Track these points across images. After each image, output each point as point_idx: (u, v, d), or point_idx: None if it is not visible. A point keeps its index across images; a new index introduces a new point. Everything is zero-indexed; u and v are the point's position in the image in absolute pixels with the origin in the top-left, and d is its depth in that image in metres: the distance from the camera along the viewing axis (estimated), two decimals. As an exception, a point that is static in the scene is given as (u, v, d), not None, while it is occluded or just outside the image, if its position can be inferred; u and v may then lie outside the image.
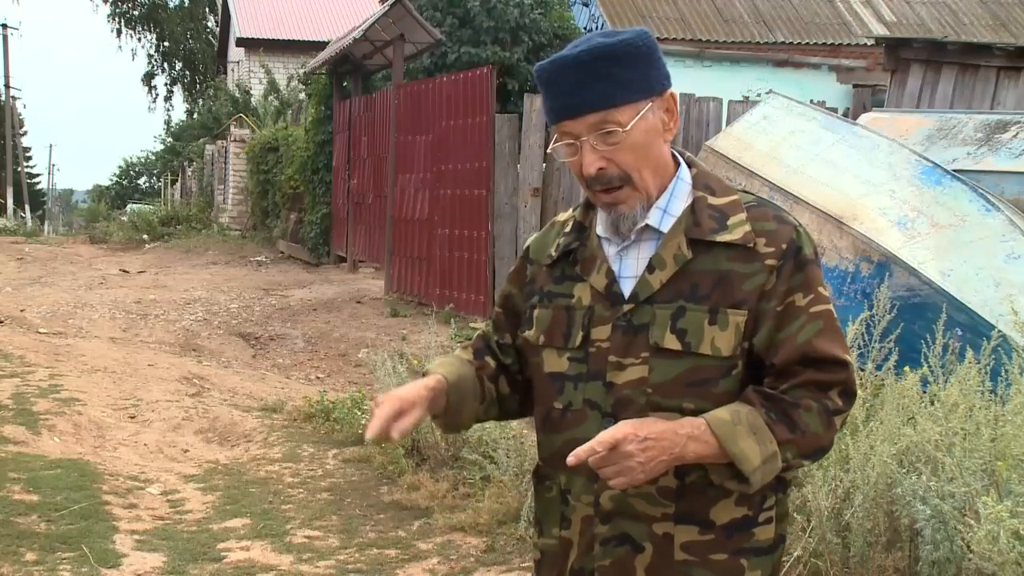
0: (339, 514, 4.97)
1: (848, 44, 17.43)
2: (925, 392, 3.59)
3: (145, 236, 22.62)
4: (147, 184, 45.28)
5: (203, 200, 26.33)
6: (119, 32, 45.57)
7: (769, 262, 1.69)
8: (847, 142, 6.02)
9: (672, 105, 1.74)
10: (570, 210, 1.90)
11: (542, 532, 1.86)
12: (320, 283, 13.46)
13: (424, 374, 1.88)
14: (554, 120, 1.74)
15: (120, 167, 47.33)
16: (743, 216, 1.73)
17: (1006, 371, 3.52)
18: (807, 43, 17.39)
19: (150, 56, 46.06)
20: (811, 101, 9.13)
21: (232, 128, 23.39)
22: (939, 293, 4.95)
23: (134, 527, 4.74)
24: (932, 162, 5.82)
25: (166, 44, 45.84)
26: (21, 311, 11.03)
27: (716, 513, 1.70)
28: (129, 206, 32.45)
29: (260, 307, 11.67)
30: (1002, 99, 9.71)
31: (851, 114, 11.18)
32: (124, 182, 46.58)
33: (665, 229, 1.74)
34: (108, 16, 45.21)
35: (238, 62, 31.61)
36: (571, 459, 1.59)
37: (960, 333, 4.41)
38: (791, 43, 17.35)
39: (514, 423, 4.46)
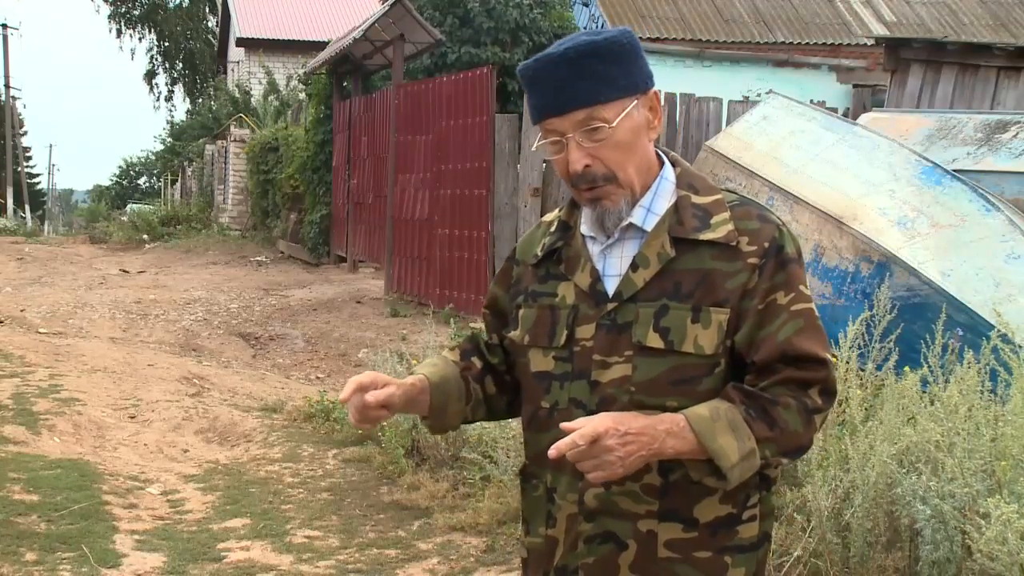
0: (339, 514, 4.97)
1: (848, 44, 17.43)
2: (925, 392, 3.59)
3: (145, 236, 22.62)
4: (147, 184, 45.29)
5: (203, 200, 26.33)
6: (119, 32, 45.62)
7: (751, 260, 1.70)
8: (847, 142, 6.02)
9: (655, 103, 1.76)
10: (556, 210, 1.91)
11: (529, 531, 1.87)
12: (320, 283, 13.46)
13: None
14: (539, 118, 1.75)
15: (120, 167, 47.37)
16: (726, 215, 1.74)
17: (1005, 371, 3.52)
18: (807, 43, 17.39)
19: (151, 56, 46.11)
20: (811, 101, 9.13)
21: (232, 128, 23.38)
22: (939, 293, 4.95)
23: (134, 527, 4.74)
24: (932, 162, 5.82)
25: (166, 44, 45.86)
26: (21, 311, 11.03)
27: (700, 511, 1.71)
28: (129, 206, 32.44)
29: (260, 307, 11.67)
30: (1002, 99, 9.71)
31: (851, 114, 11.17)
32: (124, 182, 46.58)
33: (649, 228, 1.75)
34: (108, 16, 45.26)
35: (238, 62, 31.61)
36: (552, 451, 1.60)
37: (960, 333, 4.41)
38: (791, 43, 17.35)
39: (514, 423, 4.46)
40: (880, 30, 16.96)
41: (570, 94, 1.69)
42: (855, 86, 15.00)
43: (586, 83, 1.68)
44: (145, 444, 6.25)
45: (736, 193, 1.81)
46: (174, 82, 46.70)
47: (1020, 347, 3.65)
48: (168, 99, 52.93)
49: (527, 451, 1.88)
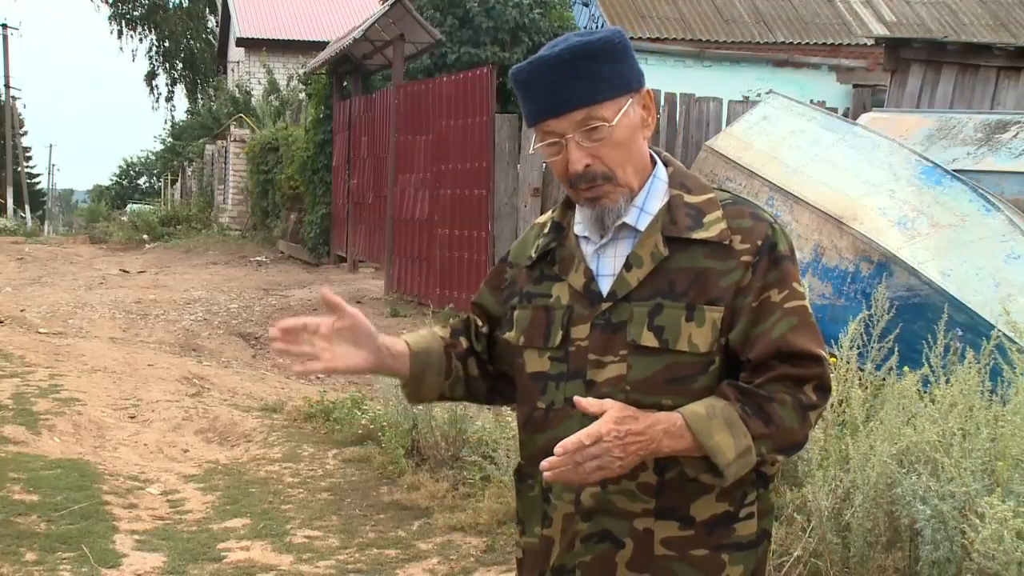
0: (339, 514, 4.97)
1: (848, 44, 17.43)
2: (926, 392, 3.59)
3: (145, 236, 22.62)
4: (147, 184, 45.28)
5: (203, 200, 26.33)
6: (120, 33, 45.61)
7: (745, 258, 1.71)
8: (847, 142, 6.03)
9: (649, 102, 1.77)
10: (549, 212, 1.92)
11: (524, 531, 1.87)
12: (320, 283, 13.46)
13: None
14: (535, 121, 1.75)
15: (120, 167, 47.35)
16: (719, 214, 1.75)
17: (1005, 370, 3.52)
18: (807, 43, 17.40)
19: (150, 56, 46.11)
20: (811, 101, 9.14)
21: (232, 128, 23.37)
22: (939, 293, 4.95)
23: (134, 527, 4.74)
24: (932, 162, 5.82)
25: (166, 44, 45.86)
26: (21, 311, 11.03)
27: (696, 509, 1.71)
28: (129, 206, 32.43)
29: (260, 307, 11.67)
30: (1002, 99, 9.71)
31: (851, 114, 11.17)
32: (124, 182, 46.57)
33: (642, 227, 1.75)
34: (109, 17, 45.26)
35: (238, 62, 31.61)
36: (559, 449, 1.60)
37: (960, 333, 4.41)
38: (791, 43, 17.35)
39: (514, 423, 4.46)
40: (880, 30, 16.96)
41: (567, 95, 1.69)
42: (855, 86, 15.01)
43: (583, 83, 1.69)
44: (145, 444, 6.25)
45: (729, 192, 1.82)
46: (174, 82, 46.73)
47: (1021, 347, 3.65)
48: (168, 99, 52.96)
49: (523, 451, 1.89)
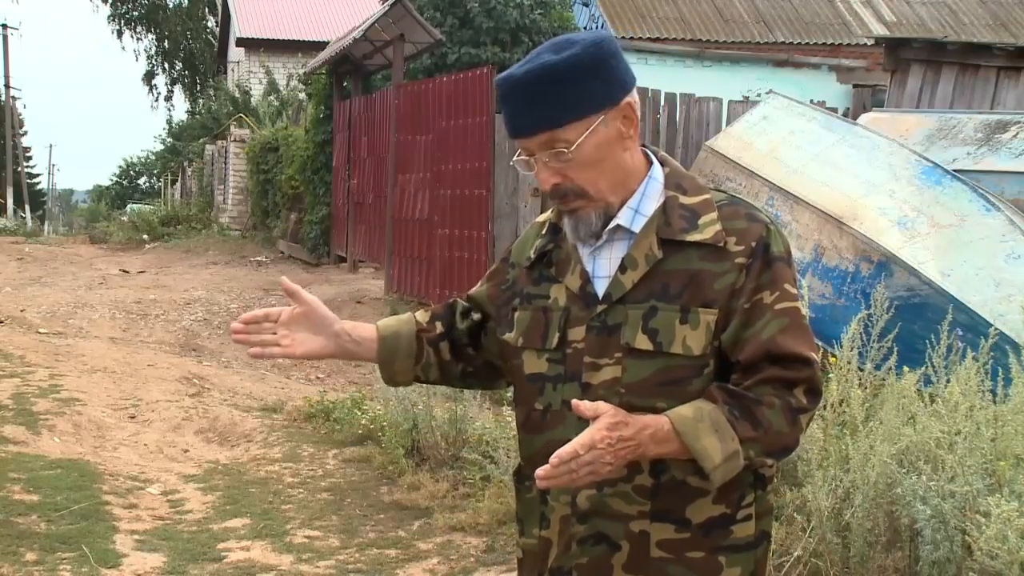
0: (339, 514, 4.97)
1: (848, 44, 17.43)
2: (927, 389, 3.59)
3: (145, 236, 22.61)
4: (147, 184, 45.25)
5: (203, 200, 26.31)
6: (120, 33, 45.60)
7: (739, 260, 1.70)
8: (847, 142, 6.03)
9: (631, 112, 1.73)
10: (548, 211, 1.91)
11: (523, 531, 1.88)
12: (320, 283, 13.45)
13: None
14: (510, 135, 1.77)
15: (120, 167, 47.30)
16: (714, 215, 1.74)
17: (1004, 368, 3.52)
18: (807, 43, 17.40)
19: (150, 56, 46.10)
20: (811, 101, 9.14)
21: (232, 128, 23.37)
22: (939, 293, 4.95)
23: (134, 527, 4.74)
24: (932, 162, 5.82)
25: (166, 44, 45.85)
26: (21, 311, 11.03)
27: (692, 511, 1.71)
28: (129, 206, 32.44)
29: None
30: (1002, 99, 9.71)
31: (851, 114, 11.17)
32: (124, 182, 46.54)
33: (637, 229, 1.75)
34: (108, 17, 45.25)
35: (238, 62, 31.60)
36: (554, 459, 1.58)
37: (960, 333, 4.41)
38: (791, 43, 17.35)
39: (514, 423, 4.46)
40: (880, 30, 16.96)
41: (528, 120, 1.70)
42: (855, 86, 15.01)
43: (542, 108, 1.68)
44: (145, 444, 6.25)
45: (726, 192, 1.81)
46: (174, 82, 46.71)
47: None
48: (168, 99, 52.92)
49: (521, 452, 1.89)
